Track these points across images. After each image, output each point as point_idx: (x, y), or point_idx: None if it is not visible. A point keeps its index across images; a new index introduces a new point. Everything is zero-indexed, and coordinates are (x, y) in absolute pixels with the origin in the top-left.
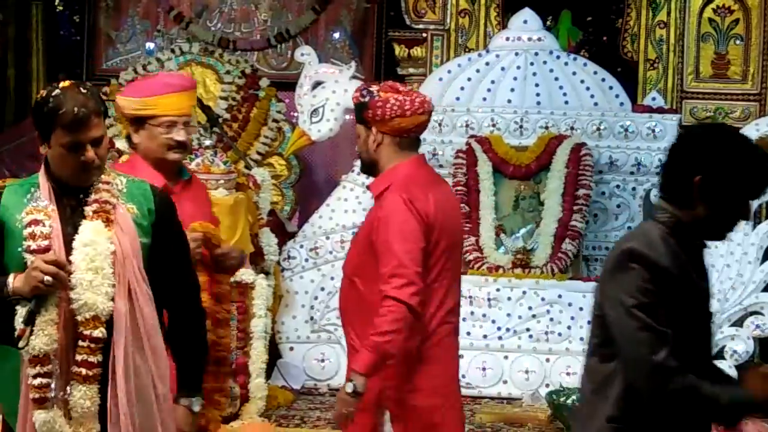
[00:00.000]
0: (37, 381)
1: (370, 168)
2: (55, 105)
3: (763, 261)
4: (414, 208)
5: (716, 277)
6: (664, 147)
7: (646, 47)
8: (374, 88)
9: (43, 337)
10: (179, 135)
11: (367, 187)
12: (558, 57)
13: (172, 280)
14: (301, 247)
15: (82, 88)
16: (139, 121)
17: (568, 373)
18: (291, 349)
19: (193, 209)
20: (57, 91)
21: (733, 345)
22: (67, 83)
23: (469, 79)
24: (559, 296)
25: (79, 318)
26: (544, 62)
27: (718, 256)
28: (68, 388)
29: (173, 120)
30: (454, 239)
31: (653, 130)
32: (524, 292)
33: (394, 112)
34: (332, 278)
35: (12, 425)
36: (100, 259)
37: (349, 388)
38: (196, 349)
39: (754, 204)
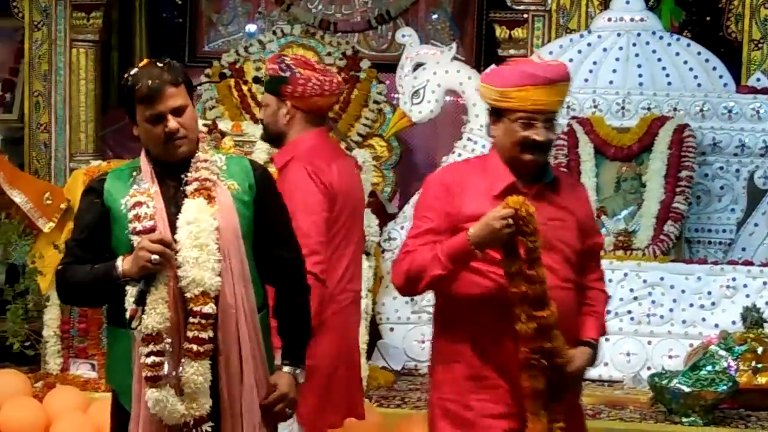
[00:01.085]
0: (150, 360)
1: (276, 139)
2: (132, 83)
3: None
4: (318, 179)
5: None
6: (763, 120)
7: (750, 27)
8: (291, 62)
9: (155, 315)
10: (538, 134)
11: (270, 159)
12: (661, 37)
13: (275, 253)
14: (402, 228)
15: (158, 63)
16: (497, 113)
17: (670, 356)
18: (391, 329)
19: (545, 217)
20: (134, 70)
21: None
22: (145, 61)
23: (570, 60)
24: (661, 279)
25: (187, 295)
26: (647, 43)
27: None
28: (181, 365)
29: (531, 116)
30: (357, 210)
31: (757, 111)
32: (625, 275)
33: (314, 91)
34: None
35: (126, 405)
36: (205, 236)
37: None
38: (299, 322)
39: None
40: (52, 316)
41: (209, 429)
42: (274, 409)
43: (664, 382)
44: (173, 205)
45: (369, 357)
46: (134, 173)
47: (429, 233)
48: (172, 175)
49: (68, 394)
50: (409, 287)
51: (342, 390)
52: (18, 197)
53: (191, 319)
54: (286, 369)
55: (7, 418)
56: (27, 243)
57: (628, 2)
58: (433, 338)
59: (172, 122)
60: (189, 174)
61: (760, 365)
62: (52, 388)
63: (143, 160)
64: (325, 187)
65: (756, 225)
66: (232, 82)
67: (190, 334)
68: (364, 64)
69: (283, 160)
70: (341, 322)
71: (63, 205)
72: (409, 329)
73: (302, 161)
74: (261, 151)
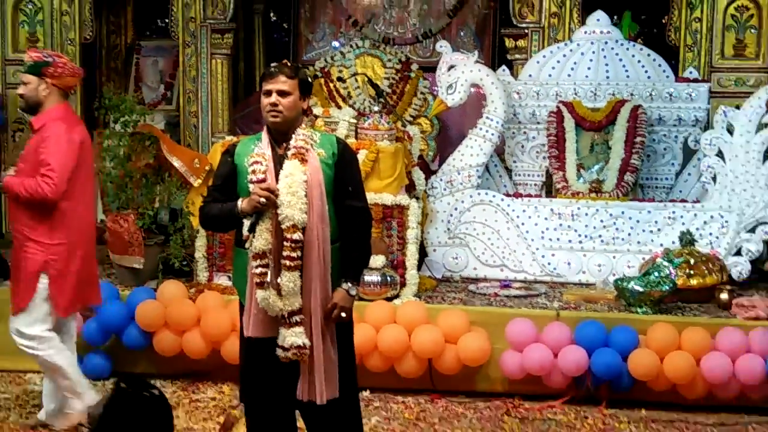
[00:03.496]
0: (258, 270)
1: (33, 108)
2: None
3: None
4: (72, 133)
5: (738, 197)
6: (698, 106)
7: (685, 36)
8: (50, 53)
9: (261, 240)
10: None
11: (30, 123)
12: (622, 44)
13: (347, 203)
14: (441, 180)
15: (288, 62)
16: None
17: (628, 266)
18: (434, 250)
19: None
20: (274, 63)
21: (748, 246)
22: (283, 61)
23: (558, 62)
24: (622, 212)
25: (283, 226)
26: (612, 48)
27: (741, 187)
28: (279, 275)
29: None
30: (89, 161)
31: (690, 95)
32: (597, 210)
33: (68, 73)
34: (462, 202)
35: (243, 302)
36: (296, 186)
37: None
38: (358, 251)
39: None
40: (201, 243)
41: (300, 320)
42: (331, 314)
43: (624, 284)
44: (279, 164)
45: (419, 269)
46: (257, 141)
47: None
48: (281, 143)
49: (212, 296)
50: None
51: (85, 279)
52: (176, 162)
53: (285, 243)
54: (343, 285)
55: (172, 316)
56: (183, 194)
57: (598, 20)
58: None
59: (273, 98)
60: (290, 143)
61: (691, 272)
62: (201, 293)
63: (264, 133)
64: (76, 141)
65: (689, 174)
66: (322, 80)
67: (284, 253)
68: (414, 67)
69: (42, 121)
70: (85, 232)
71: (207, 167)
72: (447, 250)
73: (61, 121)
74: (343, 128)
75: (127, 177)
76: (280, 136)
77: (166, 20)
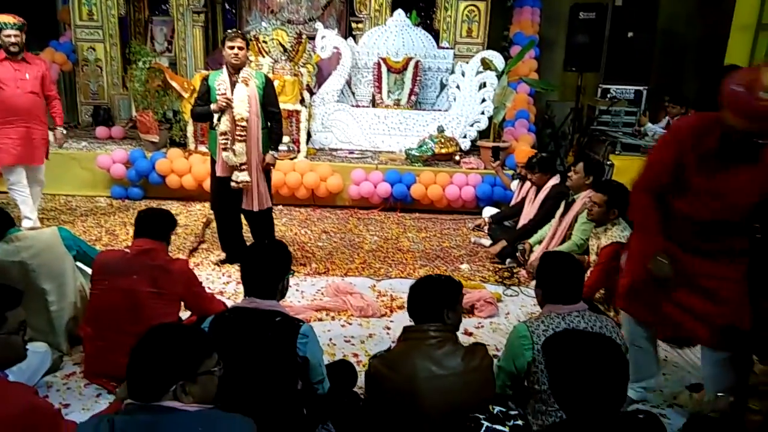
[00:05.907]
0: (223, 140)
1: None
2: (228, 33)
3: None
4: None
5: (465, 108)
6: (448, 62)
7: (442, 24)
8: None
9: (223, 125)
10: None
11: (24, 56)
12: (411, 28)
13: (268, 108)
14: (319, 97)
15: (240, 31)
16: None
17: (412, 143)
18: (315, 134)
19: None
20: (231, 31)
21: (470, 133)
22: (237, 31)
23: (378, 36)
24: (410, 116)
25: (236, 117)
26: (406, 30)
27: (467, 104)
28: (234, 143)
29: None
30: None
31: (444, 56)
32: (397, 114)
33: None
34: (329, 108)
35: (214, 158)
36: (242, 97)
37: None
38: (276, 133)
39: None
40: (190, 128)
41: (245, 167)
42: (266, 163)
43: (410, 151)
44: (233, 86)
45: (307, 143)
46: (221, 73)
47: None
48: (235, 74)
49: (197, 157)
50: None
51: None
52: (175, 84)
53: (237, 127)
54: (271, 152)
55: (176, 166)
56: (178, 102)
57: (399, 15)
58: None
59: (236, 50)
60: (240, 75)
61: (442, 145)
62: (191, 154)
63: (224, 69)
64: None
65: (443, 97)
66: (254, 42)
67: (236, 132)
68: (303, 37)
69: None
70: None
71: (192, 88)
72: (321, 134)
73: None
74: (265, 69)
75: (146, 92)
76: (234, 71)
77: (167, 5)
